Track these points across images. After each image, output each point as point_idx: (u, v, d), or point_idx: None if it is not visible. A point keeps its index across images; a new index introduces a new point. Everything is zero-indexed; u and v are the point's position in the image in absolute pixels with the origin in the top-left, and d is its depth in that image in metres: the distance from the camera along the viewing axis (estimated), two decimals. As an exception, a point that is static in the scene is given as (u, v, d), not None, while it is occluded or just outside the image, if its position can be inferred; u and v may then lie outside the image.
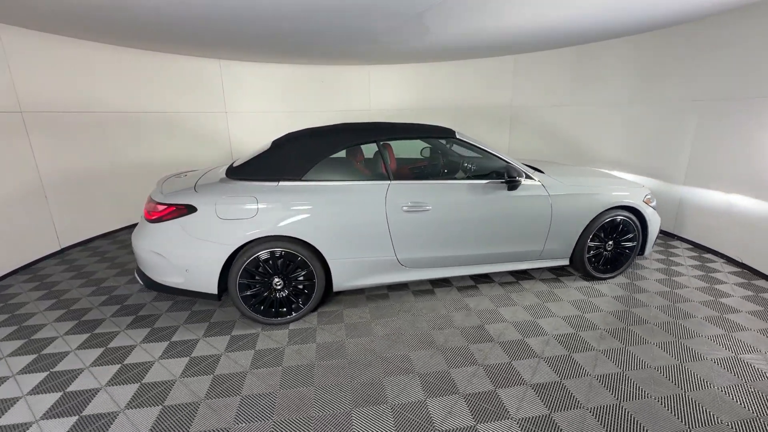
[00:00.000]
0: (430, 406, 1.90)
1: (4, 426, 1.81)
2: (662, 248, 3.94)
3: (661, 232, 4.29)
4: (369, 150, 2.99)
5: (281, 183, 2.57)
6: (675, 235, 4.24)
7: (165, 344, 2.45)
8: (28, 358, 2.31)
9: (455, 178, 2.96)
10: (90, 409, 1.91)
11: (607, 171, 4.51)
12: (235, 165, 2.85)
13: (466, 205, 2.79)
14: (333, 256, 2.61)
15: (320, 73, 6.27)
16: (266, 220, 2.44)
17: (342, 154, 2.88)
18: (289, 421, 1.82)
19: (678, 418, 1.81)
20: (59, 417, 1.86)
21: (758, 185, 3.29)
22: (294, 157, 2.68)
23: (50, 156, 3.85)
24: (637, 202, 3.10)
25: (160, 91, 4.97)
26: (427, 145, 3.70)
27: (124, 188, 4.69)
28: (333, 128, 2.98)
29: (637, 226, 3.15)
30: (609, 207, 3.02)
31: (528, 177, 2.90)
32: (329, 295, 2.95)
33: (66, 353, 2.36)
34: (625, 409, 1.87)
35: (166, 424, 1.81)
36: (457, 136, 2.90)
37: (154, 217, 2.46)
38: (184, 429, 1.78)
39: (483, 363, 2.22)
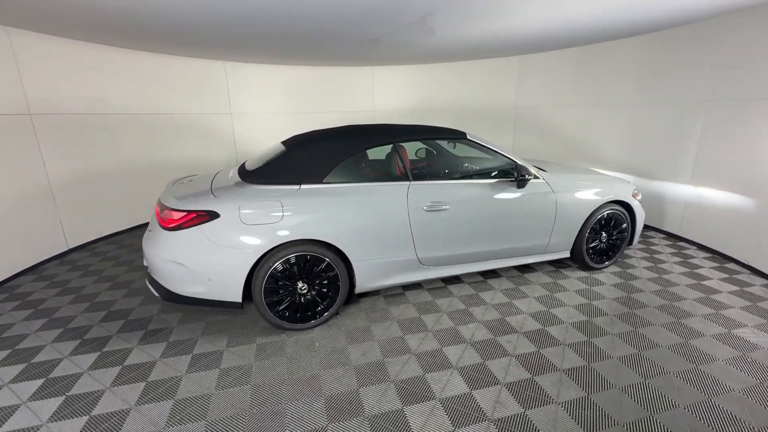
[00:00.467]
0: (477, 398, 1.97)
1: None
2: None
3: (666, 233, 4.39)
4: (373, 152, 3.03)
5: (303, 186, 2.54)
6: (682, 238, 4.19)
7: (187, 357, 2.33)
8: (36, 383, 2.11)
9: (470, 178, 3.05)
10: None
11: (594, 169, 4.69)
12: (249, 168, 2.76)
13: (481, 203, 2.90)
14: (357, 258, 2.61)
15: (325, 75, 6.27)
16: (292, 224, 2.40)
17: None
18: (344, 429, 1.82)
19: (698, 390, 2.01)
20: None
21: (766, 187, 3.27)
22: (313, 160, 2.65)
23: (58, 157, 3.89)
24: (628, 197, 3.37)
25: (166, 92, 5.00)
26: (423, 146, 3.78)
27: (130, 189, 4.75)
28: (350, 130, 2.99)
29: (627, 219, 3.42)
30: (605, 202, 3.26)
31: (534, 176, 3.07)
32: (351, 297, 2.94)
33: (79, 374, 2.18)
34: (651, 386, 2.04)
35: (216, 439, 1.74)
36: (469, 137, 3.01)
37: (171, 225, 2.33)
38: (237, 442, 1.72)
39: (514, 353, 2.33)
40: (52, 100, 3.81)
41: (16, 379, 2.15)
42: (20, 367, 2.26)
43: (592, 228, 3.31)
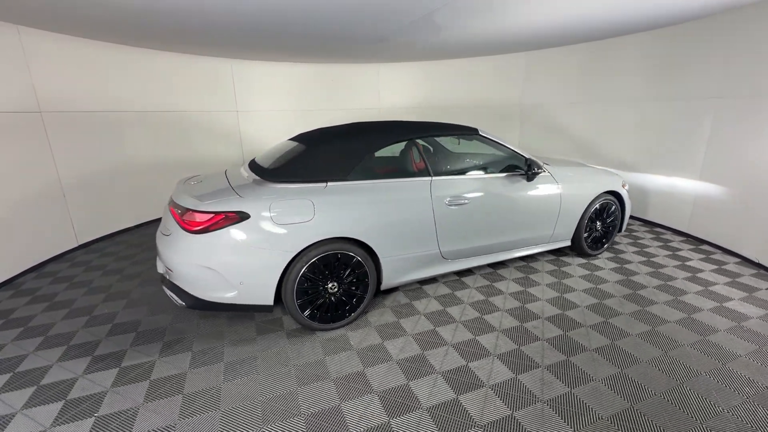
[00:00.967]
0: (523, 381, 2.06)
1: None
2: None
3: (673, 230, 4.38)
4: (387, 148, 3.04)
5: (329, 184, 2.50)
6: (690, 235, 4.17)
7: (220, 365, 2.22)
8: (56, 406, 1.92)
9: (487, 172, 3.13)
10: (178, 447, 1.68)
11: (582, 161, 4.82)
12: (265, 166, 2.66)
13: (496, 196, 3.00)
14: (384, 254, 2.62)
15: (330, 72, 6.21)
16: (324, 222, 2.36)
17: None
18: (408, 422, 1.83)
19: (712, 358, 2.23)
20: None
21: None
22: (337, 157, 2.61)
23: (68, 155, 3.93)
24: (618, 187, 3.63)
25: (174, 90, 5.03)
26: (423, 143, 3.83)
27: (139, 186, 4.78)
28: (369, 126, 2.98)
29: (618, 208, 3.69)
30: (601, 192, 3.50)
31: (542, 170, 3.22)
32: (376, 294, 2.93)
33: (104, 392, 2.01)
34: (673, 357, 2.23)
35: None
36: (480, 133, 3.10)
37: (196, 228, 2.21)
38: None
39: (544, 338, 2.45)
40: (62, 98, 3.84)
41: (33, 400, 1.94)
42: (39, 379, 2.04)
43: (589, 217, 3.54)
